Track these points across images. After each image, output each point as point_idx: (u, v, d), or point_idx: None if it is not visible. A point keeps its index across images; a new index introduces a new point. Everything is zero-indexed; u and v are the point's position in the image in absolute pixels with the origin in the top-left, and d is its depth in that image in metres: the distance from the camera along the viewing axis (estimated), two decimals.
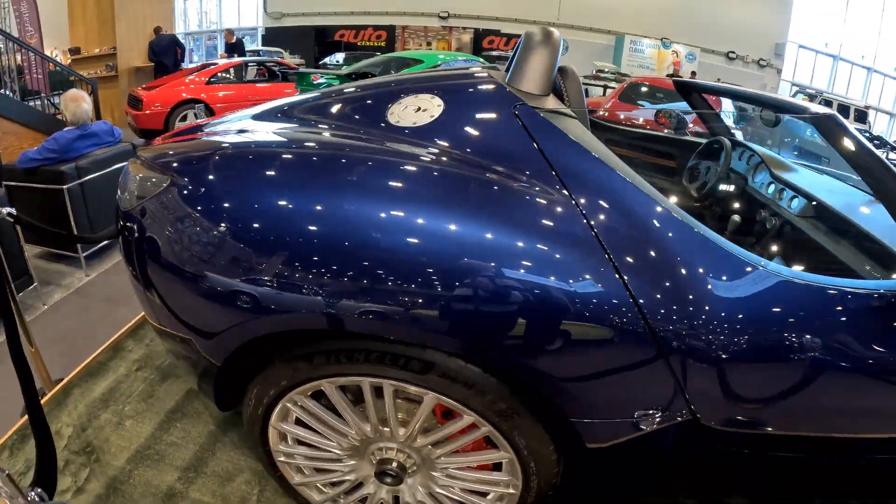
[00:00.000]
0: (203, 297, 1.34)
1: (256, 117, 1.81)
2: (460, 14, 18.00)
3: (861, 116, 19.89)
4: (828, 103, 18.90)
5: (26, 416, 1.92)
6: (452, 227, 1.19)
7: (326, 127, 1.59)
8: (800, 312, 1.20)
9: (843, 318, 1.22)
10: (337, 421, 1.43)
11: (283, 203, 1.28)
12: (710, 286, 1.18)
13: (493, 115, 1.46)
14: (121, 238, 1.54)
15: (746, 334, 1.17)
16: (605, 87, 14.29)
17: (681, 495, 1.83)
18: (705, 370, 1.18)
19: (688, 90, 2.97)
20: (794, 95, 21.13)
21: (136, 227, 1.45)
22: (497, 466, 1.46)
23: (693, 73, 17.70)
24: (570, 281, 1.14)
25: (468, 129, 1.45)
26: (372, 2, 17.39)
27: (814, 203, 2.12)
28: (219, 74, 7.31)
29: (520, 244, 1.18)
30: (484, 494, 1.51)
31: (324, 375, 1.33)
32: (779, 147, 3.42)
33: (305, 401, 1.42)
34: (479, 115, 1.49)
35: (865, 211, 2.11)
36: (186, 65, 9.41)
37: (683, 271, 1.17)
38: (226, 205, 1.32)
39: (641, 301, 1.14)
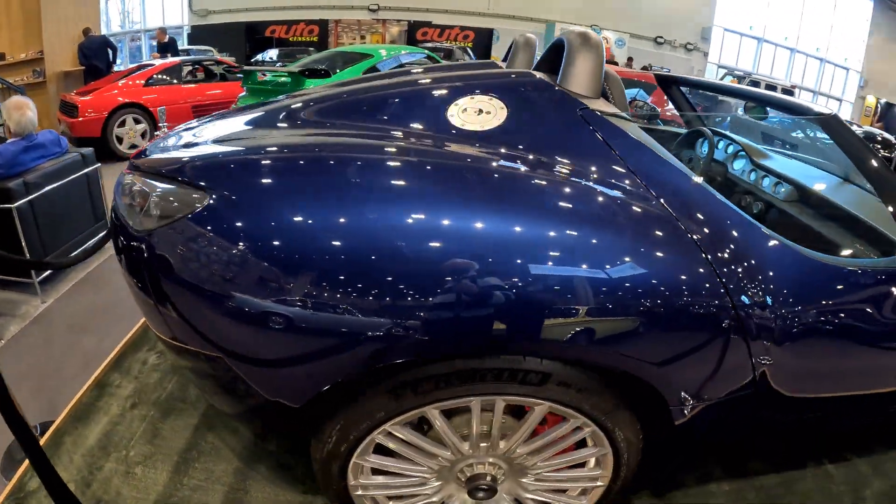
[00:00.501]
0: (295, 331, 1.17)
1: (257, 122, 1.68)
2: (391, 6, 17.73)
3: (787, 95, 20.83)
4: (755, 84, 19.76)
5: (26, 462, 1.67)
6: (574, 235, 1.22)
7: (358, 130, 1.50)
8: (840, 289, 1.38)
9: (872, 293, 1.43)
10: (430, 444, 1.37)
11: (396, 216, 1.19)
12: (773, 271, 1.30)
13: (560, 119, 1.47)
14: (127, 260, 1.37)
15: (807, 310, 1.32)
16: None
17: (708, 462, 1.94)
18: (777, 343, 1.29)
19: (668, 85, 3.02)
20: (722, 78, 21.91)
21: (162, 249, 1.26)
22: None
23: (630, 60, 18.03)
24: (677, 275, 1.22)
25: (539, 132, 1.45)
26: None
27: (797, 188, 2.25)
28: (156, 76, 6.85)
29: (635, 247, 1.22)
30: (563, 491, 1.54)
31: (430, 402, 1.27)
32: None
33: (401, 430, 1.33)
34: (546, 119, 1.49)
35: (844, 193, 2.30)
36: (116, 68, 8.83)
37: (752, 257, 1.29)
38: (319, 222, 1.19)
39: (728, 285, 1.23)
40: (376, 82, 1.83)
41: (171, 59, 7.69)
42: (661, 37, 21.76)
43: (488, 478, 1.41)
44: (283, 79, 5.88)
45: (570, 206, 1.28)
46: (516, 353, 1.23)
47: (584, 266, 1.17)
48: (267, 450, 1.95)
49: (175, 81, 7.06)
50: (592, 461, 1.47)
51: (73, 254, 3.51)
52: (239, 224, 1.20)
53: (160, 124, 3.18)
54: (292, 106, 1.69)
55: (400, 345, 1.16)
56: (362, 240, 1.16)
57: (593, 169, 1.35)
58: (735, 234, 1.30)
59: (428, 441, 1.37)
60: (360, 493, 1.47)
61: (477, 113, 1.47)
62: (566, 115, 1.46)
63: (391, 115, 1.53)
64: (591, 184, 1.31)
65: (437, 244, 1.16)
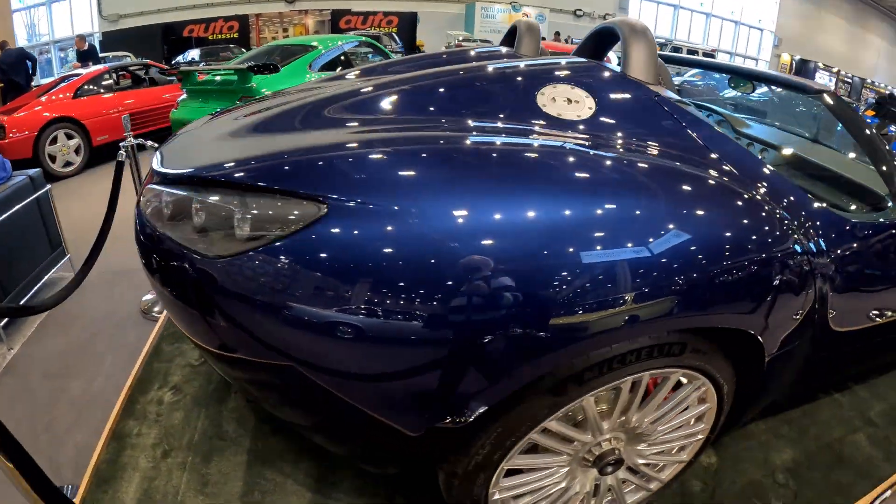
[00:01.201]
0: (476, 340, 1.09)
1: (299, 118, 1.54)
2: None
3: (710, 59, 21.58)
4: (676, 49, 20.27)
5: None
6: (690, 213, 1.26)
7: (449, 122, 1.45)
8: (864, 239, 1.58)
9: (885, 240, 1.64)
10: (577, 433, 1.36)
11: (555, 211, 1.16)
12: (821, 225, 1.46)
13: (642, 106, 1.54)
14: (193, 290, 1.21)
15: (846, 257, 1.51)
16: None
17: None
18: (836, 286, 1.48)
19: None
20: None
21: (262, 270, 1.11)
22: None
23: (557, 34, 18.10)
24: (766, 233, 1.32)
25: (627, 120, 1.51)
26: None
27: (783, 153, 2.46)
28: (85, 86, 6.26)
29: (733, 215, 1.30)
30: (669, 451, 1.59)
31: (589, 391, 1.25)
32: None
33: (557, 425, 1.30)
34: (629, 107, 1.56)
35: (819, 154, 2.58)
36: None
37: (805, 214, 1.44)
38: (472, 221, 1.11)
39: (798, 237, 1.37)
40: (421, 73, 1.76)
41: (96, 68, 7.06)
42: (580, 9, 22.00)
43: (616, 452, 1.44)
44: (226, 77, 5.48)
45: (678, 186, 1.31)
46: (669, 329, 1.25)
47: (706, 239, 1.22)
48: (336, 476, 1.76)
49: (105, 90, 6.50)
50: (695, 417, 1.54)
51: (36, 291, 3.11)
52: (384, 229, 1.09)
53: (126, 134, 2.81)
54: (343, 100, 1.58)
55: (582, 341, 1.13)
56: (527, 238, 1.10)
57: (680, 149, 1.43)
58: (789, 194, 1.45)
59: (575, 430, 1.35)
60: (497, 497, 1.41)
61: (566, 102, 1.51)
62: (645, 101, 1.54)
63: (476, 108, 1.51)
64: (682, 164, 1.37)
65: (601, 234, 1.14)
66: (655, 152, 1.41)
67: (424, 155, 1.27)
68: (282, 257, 1.09)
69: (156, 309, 3.04)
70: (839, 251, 1.49)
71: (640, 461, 1.54)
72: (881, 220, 1.66)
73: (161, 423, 1.94)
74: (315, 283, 1.07)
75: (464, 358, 1.10)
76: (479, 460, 1.28)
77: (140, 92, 6.74)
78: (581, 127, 1.45)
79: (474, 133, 1.39)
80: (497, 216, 1.11)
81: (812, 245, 1.41)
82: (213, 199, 1.20)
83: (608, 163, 1.33)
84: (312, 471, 1.77)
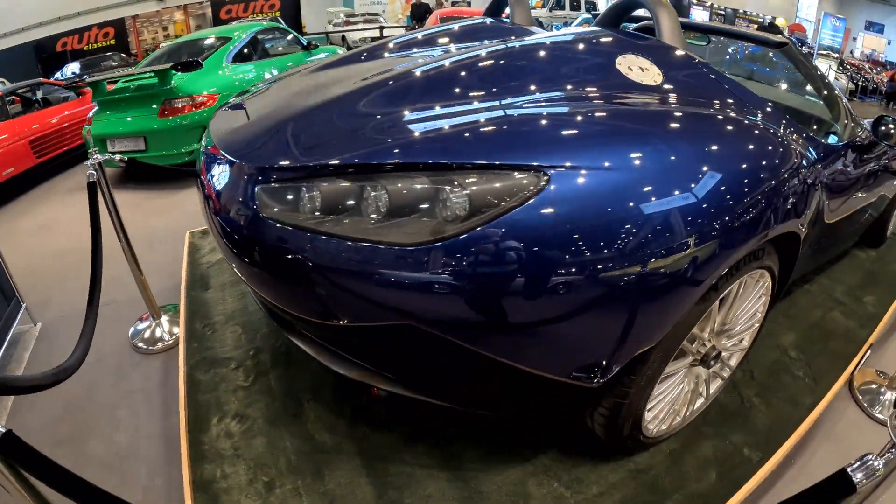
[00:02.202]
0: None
1: (391, 97, 1.58)
2: None
3: (591, 6, 22.02)
4: (558, 2, 20.45)
5: None
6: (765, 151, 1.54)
7: (552, 93, 1.55)
8: (838, 156, 2.11)
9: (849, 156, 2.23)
10: (702, 332, 1.66)
11: (732, 159, 1.42)
12: (814, 145, 1.90)
13: (693, 70, 1.80)
14: (395, 283, 1.16)
15: (831, 167, 2.02)
16: (381, 29, 13.84)
17: None
18: (826, 188, 1.94)
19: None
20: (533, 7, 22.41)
21: (480, 250, 1.12)
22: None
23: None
24: (800, 156, 1.66)
25: (687, 83, 1.73)
26: (77, 2, 14.68)
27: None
28: None
29: (783, 149, 1.58)
30: (740, 339, 1.89)
31: (718, 295, 1.48)
32: None
33: (696, 329, 1.57)
34: (685, 71, 1.78)
35: (783, 95, 3.23)
36: None
37: (806, 140, 1.87)
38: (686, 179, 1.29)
39: (808, 154, 1.78)
40: (494, 49, 1.84)
41: None
42: None
43: (716, 348, 1.73)
44: (143, 81, 4.95)
45: (751, 136, 1.56)
46: (762, 240, 1.46)
47: (777, 171, 1.50)
48: (456, 449, 1.73)
49: (2, 117, 5.74)
50: (760, 307, 1.84)
51: (4, 354, 2.70)
52: (606, 190, 1.19)
53: (92, 150, 2.44)
54: (437, 76, 1.67)
55: (731, 257, 1.35)
56: (703, 188, 1.28)
57: (729, 106, 1.68)
58: (792, 126, 1.83)
59: (701, 331, 1.64)
60: (647, 414, 1.62)
61: (641, 70, 1.71)
62: (693, 66, 1.81)
63: (575, 79, 1.64)
64: (741, 117, 1.61)
65: (739, 182, 1.37)
66: (717, 108, 1.64)
67: (606, 117, 1.43)
68: (513, 229, 1.11)
69: (146, 336, 2.70)
70: (824, 163, 1.92)
71: (724, 353, 1.82)
72: (840, 142, 2.20)
73: (242, 455, 1.71)
74: (548, 248, 1.13)
75: (671, 292, 1.26)
76: (647, 377, 1.43)
77: (39, 115, 6.01)
78: (665, 89, 1.66)
79: (613, 101, 1.53)
80: (685, 174, 1.28)
81: (814, 159, 1.82)
82: (410, 183, 1.19)
83: (709, 122, 1.54)
84: (432, 451, 1.68)
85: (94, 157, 2.35)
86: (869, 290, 2.87)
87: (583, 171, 1.19)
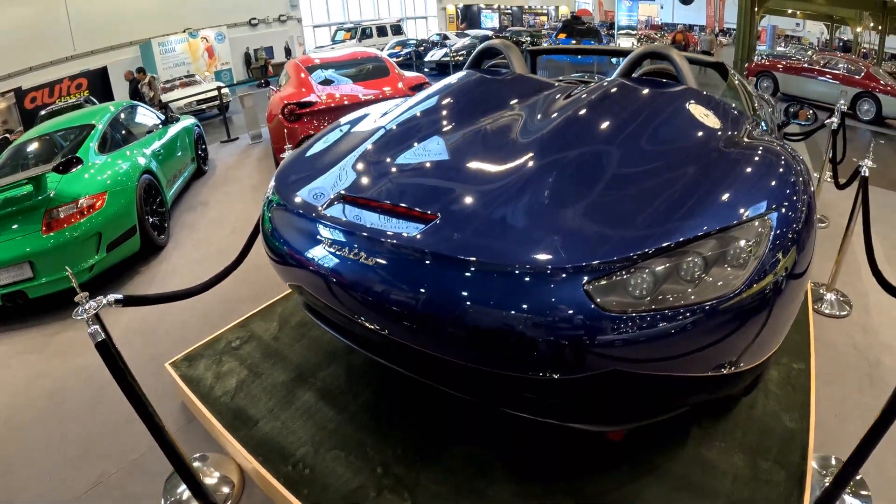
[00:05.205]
0: None
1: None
2: None
3: (397, 29, 22.74)
4: (365, 30, 20.79)
5: None
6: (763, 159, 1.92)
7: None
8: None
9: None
10: None
11: None
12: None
13: (723, 108, 2.33)
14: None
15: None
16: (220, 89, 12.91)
17: None
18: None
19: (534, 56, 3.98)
20: (335, 34, 22.46)
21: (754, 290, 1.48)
22: None
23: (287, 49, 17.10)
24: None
25: (727, 120, 2.22)
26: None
27: None
28: None
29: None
30: None
31: None
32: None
33: None
34: (720, 112, 2.26)
35: None
36: None
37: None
38: None
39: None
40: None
41: None
42: (255, 18, 21.30)
43: None
44: (12, 193, 3.90)
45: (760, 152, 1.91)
46: None
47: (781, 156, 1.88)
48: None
49: None
50: None
51: None
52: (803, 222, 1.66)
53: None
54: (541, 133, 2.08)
55: None
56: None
57: (745, 131, 2.16)
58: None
59: None
60: None
61: (705, 116, 2.16)
62: (719, 104, 2.30)
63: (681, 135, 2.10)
64: (753, 140, 2.04)
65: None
66: (747, 138, 2.07)
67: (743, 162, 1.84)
68: (770, 266, 1.50)
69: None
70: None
71: None
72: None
73: None
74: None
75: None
76: None
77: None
78: (728, 129, 2.12)
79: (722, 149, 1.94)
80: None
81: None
82: (704, 251, 1.48)
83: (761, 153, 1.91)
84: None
85: None
86: None
87: (787, 214, 1.61)
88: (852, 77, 11.51)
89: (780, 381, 2.41)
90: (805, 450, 2.02)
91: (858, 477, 2.03)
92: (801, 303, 1.76)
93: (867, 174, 3.00)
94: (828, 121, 4.34)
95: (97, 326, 1.64)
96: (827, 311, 3.35)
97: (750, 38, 15.12)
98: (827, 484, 1.66)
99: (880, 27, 18.02)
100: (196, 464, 2.16)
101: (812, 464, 1.99)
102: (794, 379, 2.43)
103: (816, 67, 12.51)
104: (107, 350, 1.66)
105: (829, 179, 4.94)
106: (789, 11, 24.69)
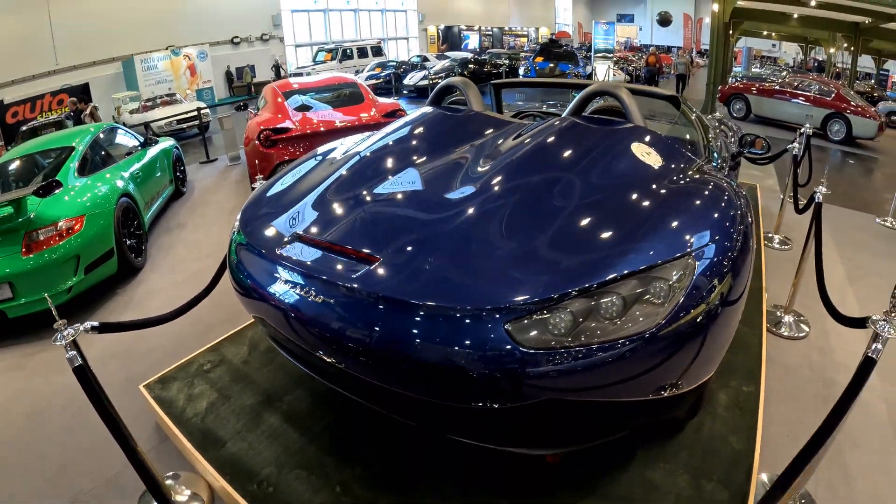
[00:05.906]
0: None
1: None
2: None
3: (377, 51, 22.87)
4: (346, 51, 20.92)
5: None
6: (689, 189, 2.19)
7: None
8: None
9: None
10: None
11: None
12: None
13: (668, 144, 2.56)
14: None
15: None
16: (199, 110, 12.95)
17: None
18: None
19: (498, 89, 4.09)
20: (315, 55, 22.58)
21: (679, 320, 1.64)
22: None
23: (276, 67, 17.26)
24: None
25: (667, 155, 2.44)
26: None
27: None
28: None
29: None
30: None
31: None
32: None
33: None
34: (664, 148, 2.49)
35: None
36: None
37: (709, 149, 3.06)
38: None
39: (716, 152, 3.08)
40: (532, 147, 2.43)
41: None
42: (237, 36, 21.42)
43: None
44: None
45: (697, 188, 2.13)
46: None
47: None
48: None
49: None
50: None
51: None
52: (733, 255, 1.84)
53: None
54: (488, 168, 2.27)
55: None
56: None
57: (691, 164, 2.43)
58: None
59: None
60: None
61: (646, 154, 2.32)
62: (663, 142, 2.50)
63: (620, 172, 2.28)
64: (699, 174, 2.31)
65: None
66: (693, 173, 2.30)
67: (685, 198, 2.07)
68: (701, 297, 1.66)
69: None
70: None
71: None
72: (713, 164, 2.88)
73: None
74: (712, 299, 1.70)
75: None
76: None
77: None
78: (670, 167, 2.28)
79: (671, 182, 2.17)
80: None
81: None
82: (623, 291, 1.61)
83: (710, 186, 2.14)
84: None
85: None
86: None
87: (712, 248, 1.78)
88: (823, 98, 11.93)
89: (727, 404, 2.51)
90: (750, 470, 2.10)
91: (803, 490, 2.16)
92: (737, 324, 1.91)
93: (821, 200, 3.12)
94: (789, 146, 4.44)
95: (74, 352, 1.79)
96: (785, 333, 3.45)
97: (725, 61, 15.46)
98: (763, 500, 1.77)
99: (853, 48, 18.62)
100: (168, 482, 2.29)
101: (757, 483, 2.08)
102: (742, 401, 2.53)
103: (788, 90, 12.83)
104: (84, 374, 1.81)
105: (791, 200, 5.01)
106: (764, 33, 25.36)
